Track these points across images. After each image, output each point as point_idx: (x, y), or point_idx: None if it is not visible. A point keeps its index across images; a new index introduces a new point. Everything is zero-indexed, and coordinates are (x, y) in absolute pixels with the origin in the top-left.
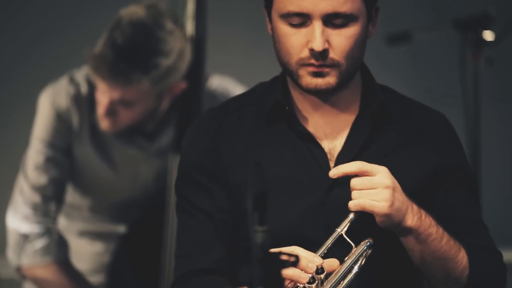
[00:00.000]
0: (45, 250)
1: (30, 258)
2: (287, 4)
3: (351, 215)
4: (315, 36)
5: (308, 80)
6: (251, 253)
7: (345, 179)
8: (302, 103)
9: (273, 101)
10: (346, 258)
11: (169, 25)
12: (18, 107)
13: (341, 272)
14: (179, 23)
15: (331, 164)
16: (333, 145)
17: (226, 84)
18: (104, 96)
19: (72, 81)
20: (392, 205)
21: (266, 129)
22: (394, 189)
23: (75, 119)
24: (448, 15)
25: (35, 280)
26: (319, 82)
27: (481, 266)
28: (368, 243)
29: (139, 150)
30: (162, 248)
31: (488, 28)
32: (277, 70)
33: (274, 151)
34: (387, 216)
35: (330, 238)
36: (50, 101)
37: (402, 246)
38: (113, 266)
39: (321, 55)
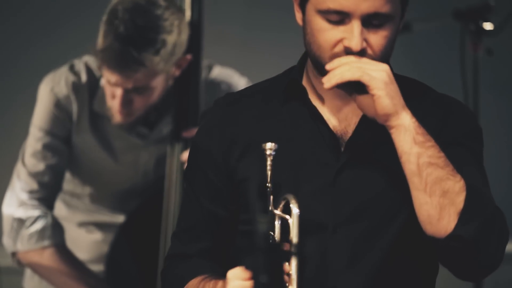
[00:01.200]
0: (41, 234)
1: (25, 243)
2: (328, 0)
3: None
4: (354, 36)
5: None
6: (254, 243)
7: (356, 162)
8: (322, 89)
9: (289, 79)
10: None
11: (161, 1)
12: (20, 95)
13: None
14: None
15: (342, 147)
16: (345, 129)
17: (226, 74)
18: (117, 89)
19: (72, 69)
20: (391, 82)
21: (281, 109)
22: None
23: (74, 107)
24: (448, 5)
25: (31, 265)
26: None
27: (479, 194)
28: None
29: (140, 139)
30: (161, 236)
31: (488, 19)
32: (275, 63)
33: (286, 131)
34: (387, 91)
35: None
36: (49, 89)
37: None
38: (112, 255)
39: (359, 54)
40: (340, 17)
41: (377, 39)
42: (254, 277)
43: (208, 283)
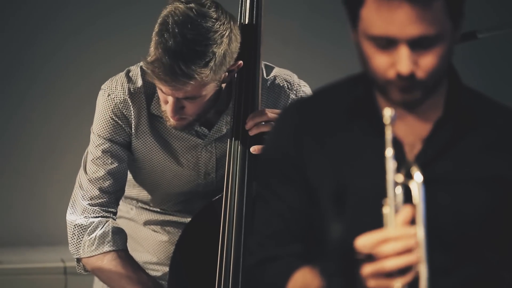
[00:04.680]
0: (101, 240)
1: (87, 249)
2: (374, 27)
3: None
4: (402, 61)
5: (395, 95)
6: (329, 246)
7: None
8: (384, 104)
9: (355, 98)
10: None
11: (212, 12)
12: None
13: None
14: (219, 6)
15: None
16: (412, 145)
17: (285, 73)
18: (169, 97)
19: (128, 74)
20: None
21: (346, 125)
22: None
23: (132, 112)
24: None
25: (94, 271)
26: (406, 97)
27: None
28: None
29: (199, 138)
30: (222, 238)
31: None
32: (328, 63)
33: (351, 147)
34: None
35: None
36: (107, 95)
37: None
38: (176, 257)
39: (409, 78)
40: (387, 43)
41: (427, 61)
42: (327, 281)
43: (310, 272)
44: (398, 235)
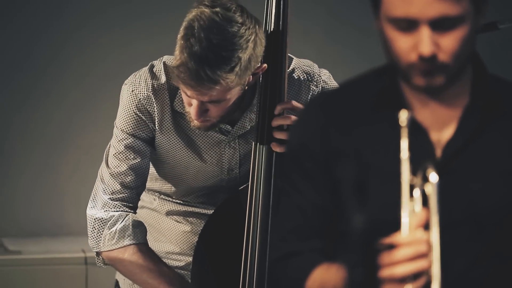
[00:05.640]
0: (121, 234)
1: (107, 243)
2: (395, 9)
3: None
4: (423, 42)
5: (418, 79)
6: (351, 237)
7: (452, 168)
8: (409, 95)
9: (381, 88)
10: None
11: (237, 17)
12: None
13: None
14: (244, 10)
15: (437, 153)
16: (440, 135)
17: (305, 64)
18: (193, 100)
19: (151, 70)
20: None
21: (372, 116)
22: None
23: (156, 108)
24: None
25: (114, 264)
26: (429, 82)
27: None
28: None
29: (223, 135)
30: (247, 230)
31: None
32: (347, 62)
33: (378, 138)
34: None
35: None
36: (130, 91)
37: None
38: (199, 247)
39: (430, 60)
40: (409, 24)
41: (449, 42)
42: (349, 274)
43: (331, 268)
44: (409, 240)
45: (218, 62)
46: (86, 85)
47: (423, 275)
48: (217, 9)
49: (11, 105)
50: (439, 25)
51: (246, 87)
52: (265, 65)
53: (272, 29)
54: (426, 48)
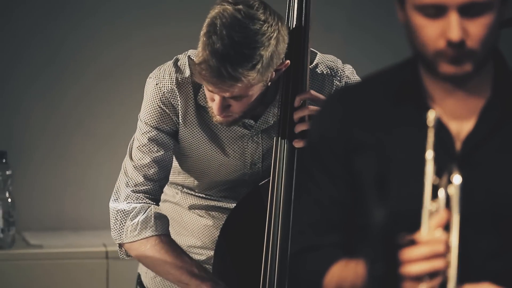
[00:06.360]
0: (143, 225)
1: (129, 234)
2: None
3: None
4: (452, 27)
5: (446, 67)
6: (371, 232)
7: (472, 161)
8: (431, 86)
9: (402, 81)
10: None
11: (260, 14)
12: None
13: None
14: (267, 7)
15: (457, 146)
16: (460, 128)
17: (328, 60)
18: (215, 95)
19: (176, 63)
20: None
21: (392, 110)
22: None
23: (180, 102)
24: None
25: (137, 256)
26: (457, 69)
27: None
28: None
29: (246, 129)
30: (268, 224)
31: None
32: (377, 56)
33: (398, 131)
34: None
35: None
36: (154, 84)
37: None
38: (221, 241)
39: (459, 46)
40: (437, 11)
41: (477, 28)
42: (370, 267)
43: (349, 263)
44: (427, 239)
45: (240, 59)
46: (108, 78)
47: (439, 275)
48: (240, 6)
49: (32, 98)
50: (467, 10)
51: (269, 83)
52: (287, 61)
53: (294, 25)
54: (455, 33)
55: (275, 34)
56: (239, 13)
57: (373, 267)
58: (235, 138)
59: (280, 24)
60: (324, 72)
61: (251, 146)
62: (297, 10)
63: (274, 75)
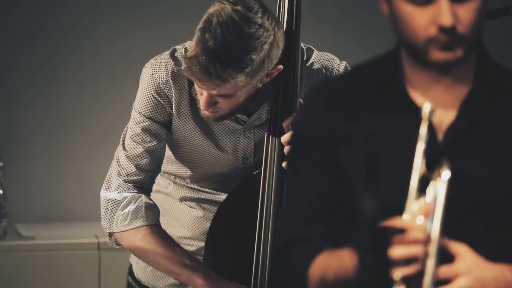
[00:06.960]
0: (134, 215)
1: (120, 224)
2: None
3: None
4: (444, 12)
5: (437, 54)
6: (359, 223)
7: (454, 152)
8: (416, 76)
9: (384, 72)
10: None
11: (257, 18)
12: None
13: None
14: (267, 10)
15: (439, 136)
16: (443, 118)
17: (325, 58)
18: (203, 91)
19: (173, 55)
20: None
21: (375, 101)
22: None
23: (174, 93)
24: None
25: (126, 245)
26: (449, 55)
27: None
28: None
29: (238, 124)
30: (260, 215)
31: None
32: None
33: (381, 123)
34: None
35: None
36: (150, 73)
37: None
38: (212, 233)
39: (451, 31)
40: None
41: (466, 13)
42: (360, 258)
43: (333, 254)
44: (407, 225)
45: (230, 60)
46: (104, 72)
47: (416, 262)
48: (238, 7)
49: (27, 92)
50: None
51: (260, 85)
52: (280, 66)
53: (284, 27)
54: (446, 18)
55: (270, 40)
56: (236, 14)
57: (365, 255)
58: (227, 132)
59: (276, 29)
60: (319, 70)
61: (243, 141)
62: (287, 10)
63: (266, 79)
